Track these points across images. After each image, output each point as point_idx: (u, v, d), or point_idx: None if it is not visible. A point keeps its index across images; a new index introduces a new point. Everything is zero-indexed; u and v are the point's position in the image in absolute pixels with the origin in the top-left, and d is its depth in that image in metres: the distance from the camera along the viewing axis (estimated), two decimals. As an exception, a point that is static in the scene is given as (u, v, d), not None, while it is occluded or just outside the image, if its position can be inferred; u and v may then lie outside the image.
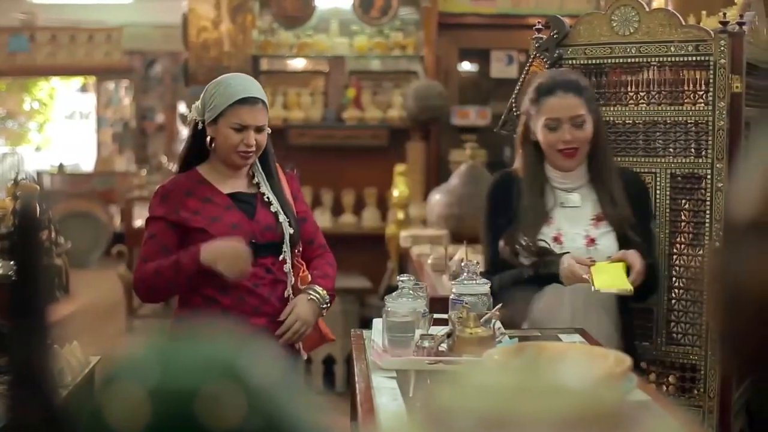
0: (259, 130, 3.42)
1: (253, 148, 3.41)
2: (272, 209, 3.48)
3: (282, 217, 3.47)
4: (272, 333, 3.38)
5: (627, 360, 2.34)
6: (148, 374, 0.77)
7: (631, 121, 3.69)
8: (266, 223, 3.45)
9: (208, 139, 3.45)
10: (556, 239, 3.39)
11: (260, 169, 3.55)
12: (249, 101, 3.40)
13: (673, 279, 3.65)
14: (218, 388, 0.76)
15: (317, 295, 3.45)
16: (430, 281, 5.10)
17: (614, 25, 3.69)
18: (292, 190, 3.64)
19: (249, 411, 0.76)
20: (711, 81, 3.53)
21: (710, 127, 3.53)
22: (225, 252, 3.30)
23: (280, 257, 3.45)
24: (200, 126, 3.46)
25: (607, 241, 3.38)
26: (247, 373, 0.78)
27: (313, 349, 3.79)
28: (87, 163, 14.01)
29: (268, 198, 3.50)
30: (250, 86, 3.47)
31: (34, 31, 13.16)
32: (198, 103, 3.49)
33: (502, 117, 3.89)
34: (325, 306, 3.48)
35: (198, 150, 3.52)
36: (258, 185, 3.53)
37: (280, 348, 3.33)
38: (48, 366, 0.95)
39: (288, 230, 3.46)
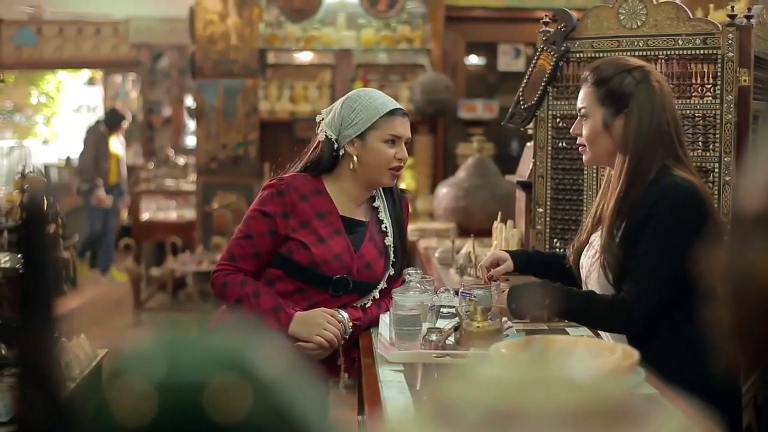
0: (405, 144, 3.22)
1: (405, 164, 3.22)
2: (386, 241, 3.25)
3: (392, 255, 3.25)
4: (315, 365, 3.13)
5: (635, 353, 2.33)
6: (155, 367, 0.77)
7: (638, 115, 3.68)
8: (369, 259, 3.20)
9: (342, 153, 3.20)
10: None
11: (382, 192, 3.31)
12: (399, 112, 3.19)
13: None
14: (225, 381, 0.76)
15: (344, 319, 3.15)
16: (438, 274, 5.10)
17: (622, 18, 3.68)
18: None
19: (256, 404, 0.76)
20: (719, 74, 3.52)
21: (718, 121, 3.53)
22: (315, 321, 3.08)
23: (366, 299, 3.23)
24: (335, 146, 3.19)
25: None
26: (254, 366, 0.78)
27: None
28: (94, 157, 14.02)
29: (385, 227, 3.27)
30: (392, 99, 3.26)
31: (41, 25, 13.19)
32: (327, 118, 3.22)
33: (510, 110, 3.88)
34: (346, 336, 3.16)
35: (322, 166, 3.24)
36: (377, 210, 3.29)
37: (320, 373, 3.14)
38: (55, 359, 0.95)
39: (389, 270, 3.25)
